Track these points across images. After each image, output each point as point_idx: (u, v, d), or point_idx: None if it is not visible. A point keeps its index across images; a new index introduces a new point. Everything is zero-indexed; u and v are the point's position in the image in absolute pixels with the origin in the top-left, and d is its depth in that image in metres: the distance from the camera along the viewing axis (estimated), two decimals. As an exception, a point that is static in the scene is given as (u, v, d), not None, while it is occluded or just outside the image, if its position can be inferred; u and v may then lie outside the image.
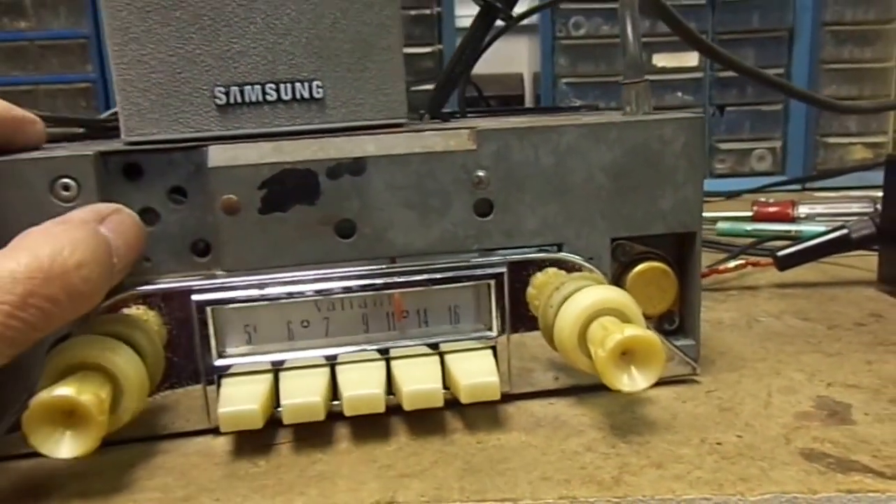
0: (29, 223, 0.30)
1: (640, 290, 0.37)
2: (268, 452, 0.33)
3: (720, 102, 1.09)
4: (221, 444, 0.34)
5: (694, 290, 0.38)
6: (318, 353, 0.35)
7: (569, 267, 0.36)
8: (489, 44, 0.69)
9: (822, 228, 0.60)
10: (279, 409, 0.33)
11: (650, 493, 0.28)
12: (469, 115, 0.58)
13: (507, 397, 0.36)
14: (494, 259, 0.36)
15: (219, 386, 0.34)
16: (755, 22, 1.06)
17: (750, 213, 0.78)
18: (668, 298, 0.38)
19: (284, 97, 0.36)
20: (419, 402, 0.33)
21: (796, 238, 0.61)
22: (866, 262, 0.58)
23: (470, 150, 0.35)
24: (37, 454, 0.28)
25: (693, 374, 0.38)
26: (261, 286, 0.35)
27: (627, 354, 0.31)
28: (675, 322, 0.40)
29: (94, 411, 0.28)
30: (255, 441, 0.34)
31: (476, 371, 0.34)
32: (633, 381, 0.31)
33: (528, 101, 1.21)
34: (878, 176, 0.90)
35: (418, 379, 0.34)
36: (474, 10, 0.45)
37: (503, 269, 0.36)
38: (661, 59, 1.08)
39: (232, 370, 0.35)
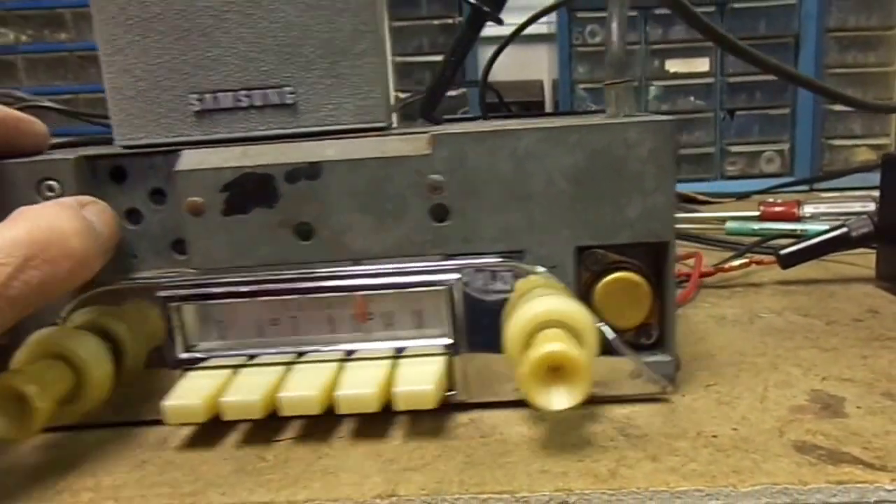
0: None
1: (611, 301, 0.36)
2: (276, 447, 0.34)
3: (730, 107, 1.09)
4: (232, 439, 0.35)
5: (669, 303, 0.36)
6: (286, 351, 0.36)
7: (525, 276, 0.35)
8: (500, 50, 0.70)
9: (825, 227, 0.60)
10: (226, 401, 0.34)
11: (644, 485, 0.29)
12: (490, 118, 0.59)
13: (465, 406, 0.36)
14: (448, 265, 0.35)
15: (182, 378, 0.36)
16: (762, 28, 1.07)
17: (757, 213, 0.78)
18: (642, 311, 0.36)
19: (256, 103, 0.36)
20: (353, 407, 0.33)
21: (800, 237, 0.61)
22: (866, 260, 0.58)
23: (425, 154, 0.34)
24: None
25: (662, 394, 0.36)
26: (230, 284, 0.36)
27: (558, 371, 0.29)
28: (651, 336, 0.37)
29: (34, 399, 0.30)
30: (265, 435, 0.35)
31: (414, 378, 0.34)
32: (556, 399, 0.30)
33: (548, 107, 1.22)
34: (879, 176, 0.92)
35: (357, 383, 0.33)
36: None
37: (457, 276, 0.35)
38: (673, 65, 1.09)
39: (205, 363, 0.36)
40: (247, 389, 0.34)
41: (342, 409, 0.33)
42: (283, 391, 0.33)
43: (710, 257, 0.61)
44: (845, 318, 0.47)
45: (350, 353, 0.36)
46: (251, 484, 0.31)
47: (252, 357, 0.36)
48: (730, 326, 0.47)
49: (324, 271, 0.36)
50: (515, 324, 0.31)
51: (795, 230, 0.71)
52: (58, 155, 0.36)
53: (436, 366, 0.35)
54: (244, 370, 0.36)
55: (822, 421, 0.33)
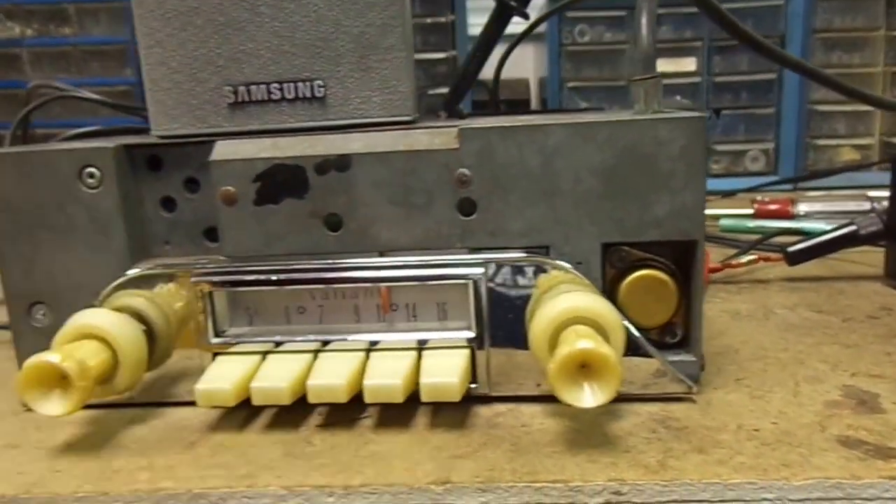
0: (59, 205, 0.36)
1: (636, 299, 0.35)
2: (321, 433, 0.34)
3: (716, 106, 1.11)
4: (275, 423, 0.35)
5: (696, 302, 0.36)
6: (313, 339, 0.37)
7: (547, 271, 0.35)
8: (511, 48, 0.70)
9: (823, 225, 0.61)
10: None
11: (696, 477, 0.29)
12: (500, 114, 0.59)
13: (485, 399, 0.36)
14: (474, 259, 0.36)
15: (213, 362, 0.36)
16: (749, 28, 1.08)
17: (751, 211, 0.80)
18: (668, 309, 0.36)
19: (288, 96, 0.37)
20: (380, 397, 0.33)
21: (801, 234, 0.62)
22: (869, 258, 0.59)
23: (453, 148, 0.35)
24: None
25: (688, 393, 0.36)
26: (260, 272, 0.36)
27: (587, 368, 0.29)
28: (676, 335, 0.36)
29: (75, 377, 0.30)
30: (305, 421, 0.35)
31: (440, 370, 0.34)
32: (585, 396, 0.29)
33: (534, 105, 1.23)
34: (866, 176, 0.94)
35: (384, 373, 0.34)
36: (487, 18, 0.46)
37: (482, 270, 0.35)
38: (661, 65, 1.09)
39: (234, 349, 0.37)
40: (276, 376, 0.34)
41: (369, 399, 0.33)
42: (310, 379, 0.34)
43: (711, 253, 0.62)
44: (860, 315, 0.48)
45: (374, 343, 0.36)
46: (304, 468, 0.31)
47: (278, 344, 0.37)
48: (746, 322, 0.47)
49: (351, 262, 0.36)
50: (542, 319, 0.31)
51: (797, 227, 0.71)
52: (98, 143, 0.37)
53: (460, 359, 0.35)
54: (271, 357, 0.36)
55: (860, 416, 0.33)
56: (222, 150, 0.36)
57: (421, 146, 0.35)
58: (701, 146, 0.34)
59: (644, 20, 0.37)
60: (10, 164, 0.37)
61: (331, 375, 0.34)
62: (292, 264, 0.36)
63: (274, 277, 0.36)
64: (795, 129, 1.09)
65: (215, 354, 0.37)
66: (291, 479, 0.30)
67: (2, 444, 0.35)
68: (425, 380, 0.33)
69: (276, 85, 0.37)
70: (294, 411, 0.35)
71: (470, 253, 0.36)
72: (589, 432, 0.33)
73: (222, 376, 0.35)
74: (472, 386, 0.36)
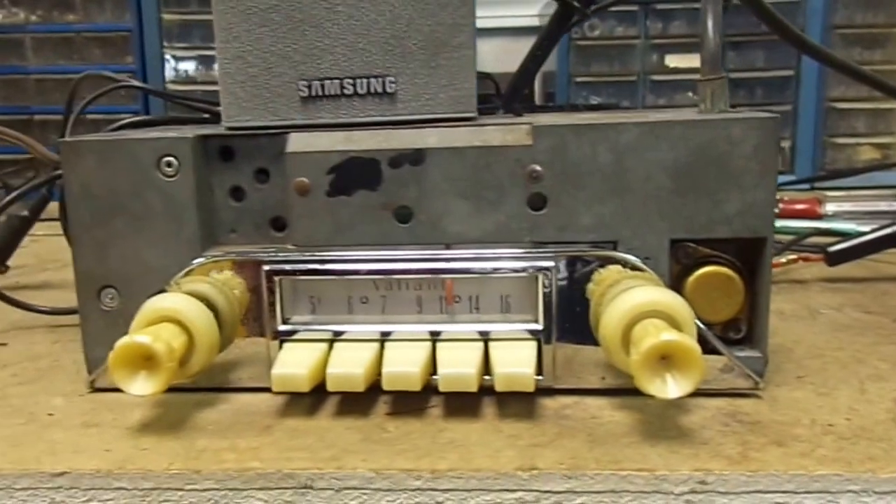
0: (135, 192, 0.37)
1: (702, 295, 0.36)
2: (393, 420, 0.35)
3: (731, 103, 1.10)
4: (345, 411, 0.36)
5: (763, 298, 0.36)
6: (374, 329, 0.37)
7: (620, 265, 0.36)
8: (552, 46, 0.70)
9: (853, 225, 0.61)
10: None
11: (782, 468, 0.29)
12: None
13: (549, 391, 0.37)
14: (544, 252, 0.36)
15: (280, 349, 0.37)
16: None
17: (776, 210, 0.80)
18: (734, 306, 0.36)
19: (360, 91, 0.38)
20: (454, 385, 0.34)
21: (834, 235, 0.62)
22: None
23: (526, 145, 0.36)
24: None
25: (755, 389, 0.36)
26: (326, 262, 0.37)
27: (667, 360, 0.30)
28: (741, 331, 0.37)
29: (164, 358, 0.31)
30: (373, 409, 0.36)
31: (513, 361, 0.35)
32: (669, 387, 0.30)
33: (538, 100, 1.23)
34: (887, 176, 0.93)
35: (456, 362, 0.35)
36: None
37: (552, 263, 0.36)
38: (673, 60, 1.10)
39: (296, 336, 0.37)
40: (350, 363, 0.35)
41: (444, 387, 0.34)
42: (385, 367, 0.34)
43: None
44: (911, 316, 0.48)
45: (435, 333, 0.37)
46: (387, 452, 0.32)
47: (338, 333, 0.37)
48: (793, 321, 0.48)
49: (416, 253, 0.37)
50: (616, 313, 0.32)
51: (830, 228, 0.71)
52: (176, 133, 0.38)
53: (530, 350, 0.36)
54: (338, 345, 0.37)
55: (933, 413, 0.33)
56: (297, 143, 0.37)
57: (495, 142, 0.36)
58: (774, 145, 0.35)
59: (710, 21, 0.37)
60: (92, 151, 0.38)
61: (405, 363, 0.35)
62: (358, 255, 0.37)
63: (342, 267, 0.37)
64: (812, 128, 1.09)
65: (281, 341, 0.37)
66: (377, 462, 0.31)
67: (79, 423, 0.35)
68: (500, 370, 0.34)
69: (349, 80, 0.38)
70: (360, 400, 0.36)
71: (534, 247, 0.36)
72: (662, 425, 0.33)
73: (296, 362, 0.35)
74: (538, 378, 0.36)
